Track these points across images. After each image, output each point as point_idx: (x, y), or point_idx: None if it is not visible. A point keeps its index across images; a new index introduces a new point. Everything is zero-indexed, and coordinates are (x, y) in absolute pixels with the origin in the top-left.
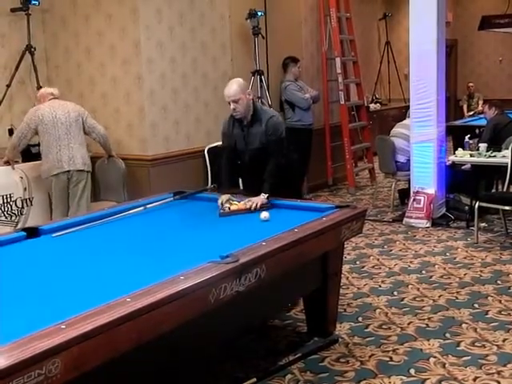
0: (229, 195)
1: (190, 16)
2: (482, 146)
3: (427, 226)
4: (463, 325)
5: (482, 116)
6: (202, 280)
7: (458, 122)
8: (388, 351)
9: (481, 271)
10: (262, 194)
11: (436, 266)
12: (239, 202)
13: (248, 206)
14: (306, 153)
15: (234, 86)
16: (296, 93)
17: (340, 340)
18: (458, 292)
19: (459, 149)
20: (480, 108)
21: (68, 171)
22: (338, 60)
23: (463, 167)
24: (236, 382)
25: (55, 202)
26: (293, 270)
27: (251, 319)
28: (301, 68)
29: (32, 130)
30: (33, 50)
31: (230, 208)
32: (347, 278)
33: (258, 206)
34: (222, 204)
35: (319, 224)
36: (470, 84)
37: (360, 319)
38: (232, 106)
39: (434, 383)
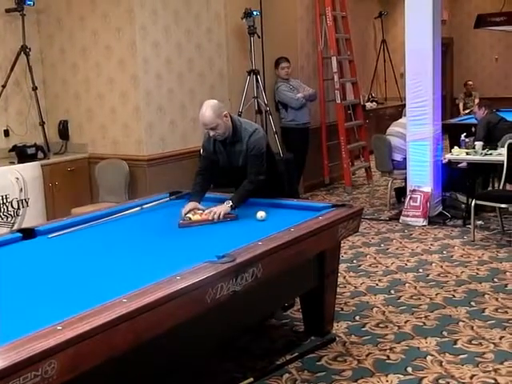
0: (195, 203)
1: (186, 16)
2: (478, 144)
3: (424, 224)
4: (460, 323)
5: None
6: (199, 280)
7: (454, 121)
8: (385, 350)
9: (477, 269)
10: (227, 201)
11: (433, 265)
12: (203, 211)
13: (210, 217)
14: (302, 152)
15: (208, 113)
16: (286, 93)
17: (337, 339)
18: (454, 290)
19: (455, 147)
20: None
21: None
22: (333, 59)
23: (459, 165)
24: (233, 381)
25: None
26: (289, 270)
27: (248, 319)
28: (290, 68)
29: None
30: (28, 50)
31: (190, 218)
32: (344, 277)
33: (221, 216)
34: (184, 213)
35: (316, 223)
36: (470, 82)
37: (357, 318)
38: (211, 133)
39: (431, 381)
